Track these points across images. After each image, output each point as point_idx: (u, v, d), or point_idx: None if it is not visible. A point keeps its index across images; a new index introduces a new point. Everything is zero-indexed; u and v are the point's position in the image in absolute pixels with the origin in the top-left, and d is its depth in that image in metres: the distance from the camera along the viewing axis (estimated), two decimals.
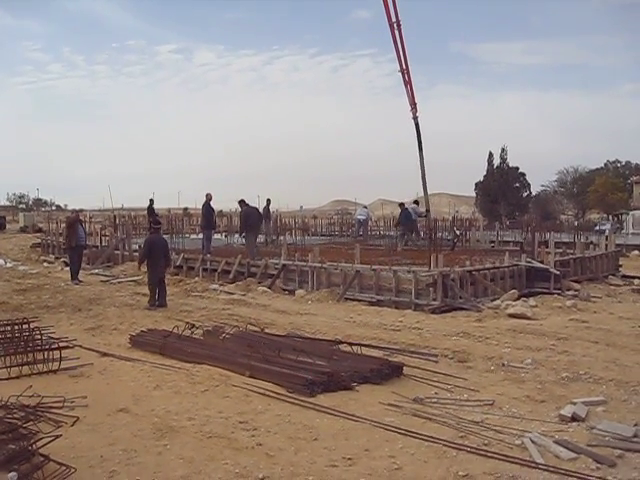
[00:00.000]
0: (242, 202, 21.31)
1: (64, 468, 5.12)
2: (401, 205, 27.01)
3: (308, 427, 6.42)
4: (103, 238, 26.81)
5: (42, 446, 5.38)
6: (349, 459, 5.59)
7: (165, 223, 33.20)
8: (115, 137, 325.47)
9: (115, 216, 36.12)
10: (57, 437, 5.63)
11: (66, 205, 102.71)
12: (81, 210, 35.84)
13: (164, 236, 17.00)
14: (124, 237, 24.86)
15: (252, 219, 20.62)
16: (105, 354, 9.65)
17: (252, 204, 22.08)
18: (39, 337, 9.23)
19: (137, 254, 22.71)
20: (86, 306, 14.24)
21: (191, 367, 8.72)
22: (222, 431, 6.29)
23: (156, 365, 8.93)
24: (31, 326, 9.78)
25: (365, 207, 36.04)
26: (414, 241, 26.85)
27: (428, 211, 27.76)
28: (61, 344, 8.92)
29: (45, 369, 8.43)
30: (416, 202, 29.66)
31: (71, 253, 19.22)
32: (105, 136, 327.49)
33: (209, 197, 22.66)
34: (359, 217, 32.63)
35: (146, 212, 32.31)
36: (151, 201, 30.47)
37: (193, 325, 10.84)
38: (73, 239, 19.03)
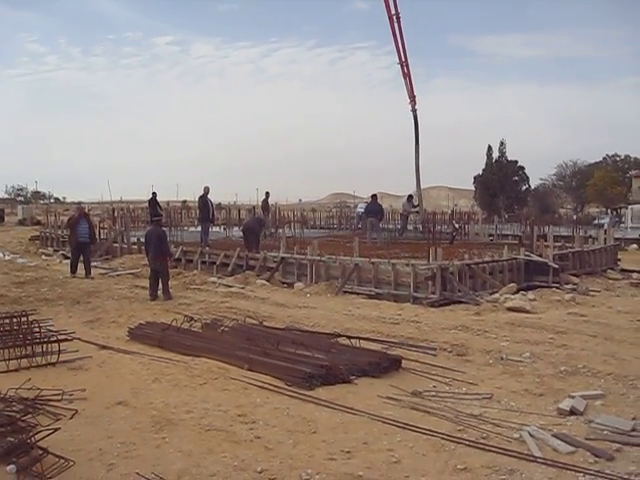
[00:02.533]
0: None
1: (63, 461, 5.12)
2: (373, 196, 26.92)
3: (307, 420, 6.43)
4: (102, 231, 26.78)
5: (41, 439, 5.38)
6: (347, 452, 5.60)
7: (164, 215, 33.27)
8: (113, 129, 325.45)
9: (114, 209, 36.14)
10: (56, 430, 5.63)
11: (65, 198, 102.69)
12: (79, 203, 35.72)
13: (164, 228, 16.96)
14: (123, 230, 24.85)
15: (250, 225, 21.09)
16: (104, 347, 9.65)
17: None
18: (38, 330, 9.24)
19: (136, 247, 22.79)
20: (85, 299, 14.23)
21: (190, 360, 8.72)
22: (221, 424, 6.30)
23: (154, 358, 8.94)
24: (30, 319, 9.79)
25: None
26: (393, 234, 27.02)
27: (417, 205, 27.78)
28: (60, 337, 8.94)
29: (44, 362, 8.43)
30: (410, 196, 29.59)
31: (72, 250, 19.08)
32: (103, 128, 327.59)
33: (207, 190, 22.68)
34: (359, 210, 32.58)
35: (147, 204, 32.33)
36: (154, 194, 30.50)
37: (192, 318, 10.85)
38: (73, 238, 18.85)
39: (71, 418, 6.41)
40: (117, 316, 12.25)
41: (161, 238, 15.15)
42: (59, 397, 6.87)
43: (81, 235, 18.74)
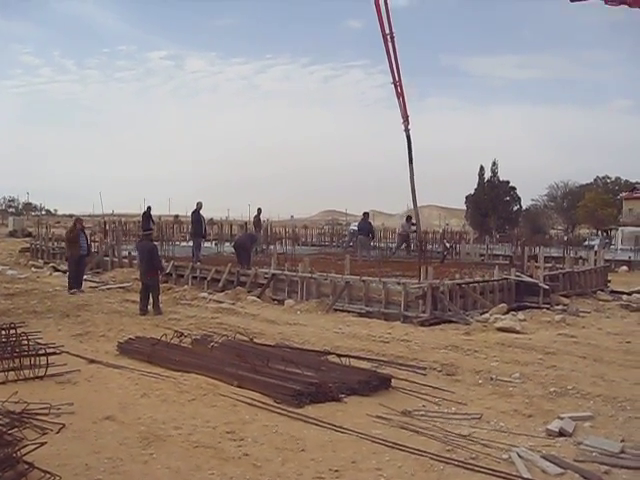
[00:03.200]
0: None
1: (48, 476, 5.08)
2: (365, 214, 26.98)
3: (295, 438, 6.40)
4: (93, 244, 26.69)
5: (27, 453, 5.33)
6: (336, 471, 5.57)
7: (155, 230, 33.19)
8: (106, 143, 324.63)
9: (105, 222, 36.04)
10: (42, 444, 5.58)
11: (56, 210, 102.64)
12: (71, 215, 35.63)
13: (154, 243, 16.92)
14: (114, 243, 24.79)
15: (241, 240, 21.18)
16: (92, 361, 9.60)
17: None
18: (26, 343, 9.16)
19: (127, 260, 22.73)
20: (74, 312, 14.15)
21: (179, 376, 8.68)
22: (209, 441, 6.26)
23: (143, 373, 8.89)
24: (18, 331, 9.72)
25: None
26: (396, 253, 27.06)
27: (415, 224, 27.81)
28: (48, 350, 8.88)
29: (31, 375, 8.38)
30: (409, 217, 29.65)
31: (69, 263, 18.85)
32: (96, 141, 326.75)
33: (199, 205, 22.70)
34: (352, 228, 32.57)
35: (141, 217, 32.27)
36: (148, 208, 30.50)
37: (182, 333, 10.80)
38: (74, 250, 18.66)
39: (58, 432, 6.36)
40: (107, 330, 12.19)
41: (152, 252, 15.14)
42: (46, 411, 6.81)
43: (82, 248, 18.67)
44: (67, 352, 9.60)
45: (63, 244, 26.26)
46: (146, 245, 15.36)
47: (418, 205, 26.44)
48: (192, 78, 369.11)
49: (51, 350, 8.95)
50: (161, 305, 14.82)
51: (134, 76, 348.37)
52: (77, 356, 9.78)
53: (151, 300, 14.66)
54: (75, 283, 18.07)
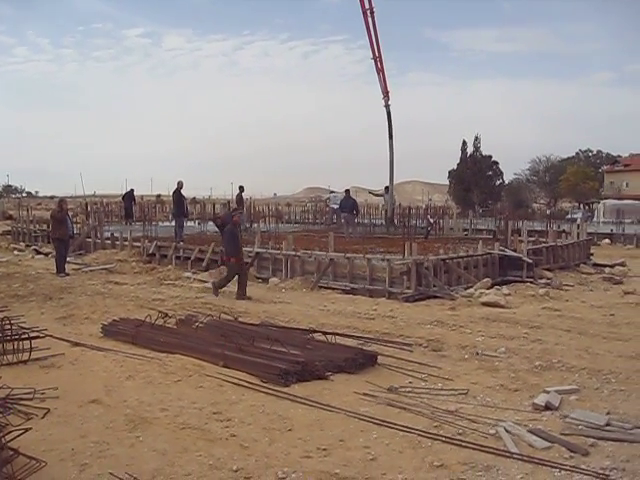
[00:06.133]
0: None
1: (34, 462, 5.02)
2: (346, 191, 27.00)
3: (282, 417, 6.39)
4: (75, 225, 26.47)
5: (11, 439, 5.26)
6: (324, 450, 5.56)
7: (137, 210, 33.03)
8: (85, 122, 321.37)
9: (87, 203, 35.78)
10: (27, 430, 5.51)
11: (37, 192, 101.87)
12: (52, 197, 35.36)
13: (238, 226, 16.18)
14: (96, 225, 24.57)
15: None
16: (76, 344, 9.52)
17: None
18: (9, 327, 9.06)
19: (109, 242, 22.54)
20: (57, 295, 14.03)
21: (164, 357, 8.64)
22: (196, 422, 6.24)
23: (128, 355, 8.83)
24: (0, 315, 9.62)
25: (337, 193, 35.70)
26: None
27: (387, 199, 27.91)
28: (31, 334, 8.78)
29: (15, 360, 8.30)
30: (387, 187, 29.64)
31: (58, 245, 18.48)
32: (75, 121, 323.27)
33: (180, 184, 22.53)
34: (333, 206, 32.46)
35: (121, 198, 32.17)
36: (132, 190, 30.42)
37: (166, 314, 10.73)
38: (64, 231, 18.41)
39: (43, 417, 6.31)
40: (90, 312, 12.09)
41: (231, 235, 14.65)
42: (31, 396, 6.75)
43: (69, 229, 18.49)
44: (51, 335, 9.50)
45: (45, 226, 26.09)
46: (228, 228, 14.95)
47: (402, 181, 26.53)
48: (170, 56, 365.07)
49: (34, 334, 8.85)
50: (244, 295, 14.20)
51: (111, 55, 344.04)
52: (61, 339, 9.69)
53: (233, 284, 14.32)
54: (62, 265, 17.91)
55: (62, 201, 19.68)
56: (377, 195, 28.94)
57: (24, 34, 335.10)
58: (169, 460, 5.33)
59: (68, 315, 11.88)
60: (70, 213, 21.78)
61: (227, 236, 14.75)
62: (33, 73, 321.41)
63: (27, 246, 25.67)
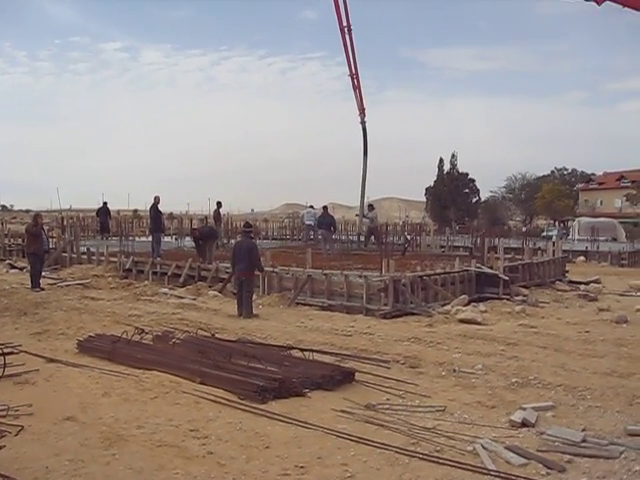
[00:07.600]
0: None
1: None
2: (324, 208, 27.05)
3: (260, 435, 6.36)
4: (51, 240, 26.23)
5: None
6: (301, 467, 5.54)
7: (114, 225, 32.85)
8: (61, 136, 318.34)
9: (63, 217, 35.48)
10: (0, 447, 5.45)
11: (12, 205, 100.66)
12: (27, 211, 35.08)
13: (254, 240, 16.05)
14: (72, 239, 24.39)
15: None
16: (51, 360, 9.42)
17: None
18: None
19: (85, 257, 22.35)
20: (32, 310, 13.86)
21: (140, 373, 8.56)
22: (172, 440, 6.18)
23: (104, 371, 8.75)
24: None
25: (312, 208, 35.33)
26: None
27: (359, 215, 28.01)
28: (5, 350, 8.67)
29: None
30: (371, 205, 29.74)
31: (34, 259, 18.24)
32: (51, 135, 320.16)
33: (157, 200, 22.43)
34: (308, 222, 32.31)
35: (96, 213, 31.95)
36: (105, 203, 30.24)
37: (142, 330, 10.64)
38: (39, 245, 18.22)
39: (17, 435, 6.21)
40: (66, 328, 11.97)
41: (251, 251, 14.30)
42: (4, 413, 6.66)
43: (44, 244, 18.33)
44: (25, 351, 9.39)
45: (20, 240, 25.82)
46: (245, 243, 14.63)
47: (379, 197, 26.73)
48: (148, 70, 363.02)
49: (8, 350, 8.74)
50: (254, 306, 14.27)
51: (88, 68, 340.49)
52: (36, 355, 9.58)
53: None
54: (37, 280, 17.69)
55: (37, 216, 19.49)
56: (365, 217, 28.92)
57: (1, 45, 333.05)
58: (145, 478, 5.28)
59: (43, 331, 11.74)
60: (46, 227, 21.62)
61: (243, 252, 14.30)
62: (9, 86, 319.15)
63: (1, 260, 25.37)
